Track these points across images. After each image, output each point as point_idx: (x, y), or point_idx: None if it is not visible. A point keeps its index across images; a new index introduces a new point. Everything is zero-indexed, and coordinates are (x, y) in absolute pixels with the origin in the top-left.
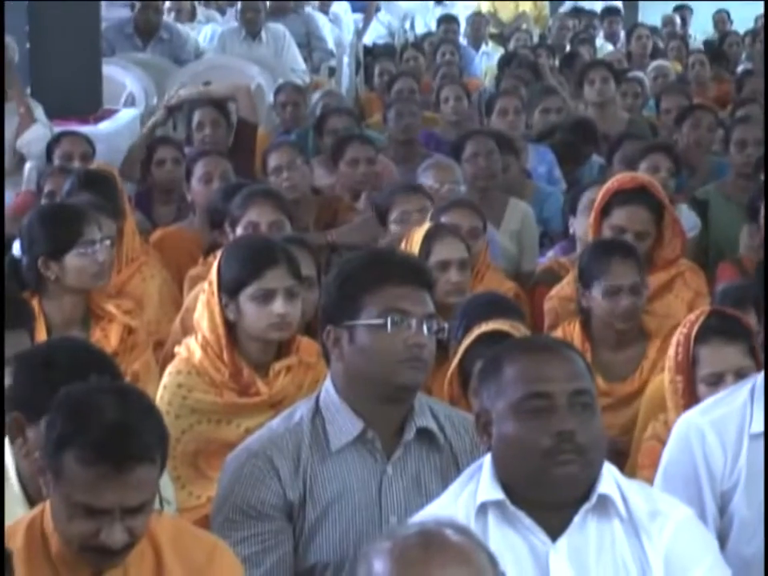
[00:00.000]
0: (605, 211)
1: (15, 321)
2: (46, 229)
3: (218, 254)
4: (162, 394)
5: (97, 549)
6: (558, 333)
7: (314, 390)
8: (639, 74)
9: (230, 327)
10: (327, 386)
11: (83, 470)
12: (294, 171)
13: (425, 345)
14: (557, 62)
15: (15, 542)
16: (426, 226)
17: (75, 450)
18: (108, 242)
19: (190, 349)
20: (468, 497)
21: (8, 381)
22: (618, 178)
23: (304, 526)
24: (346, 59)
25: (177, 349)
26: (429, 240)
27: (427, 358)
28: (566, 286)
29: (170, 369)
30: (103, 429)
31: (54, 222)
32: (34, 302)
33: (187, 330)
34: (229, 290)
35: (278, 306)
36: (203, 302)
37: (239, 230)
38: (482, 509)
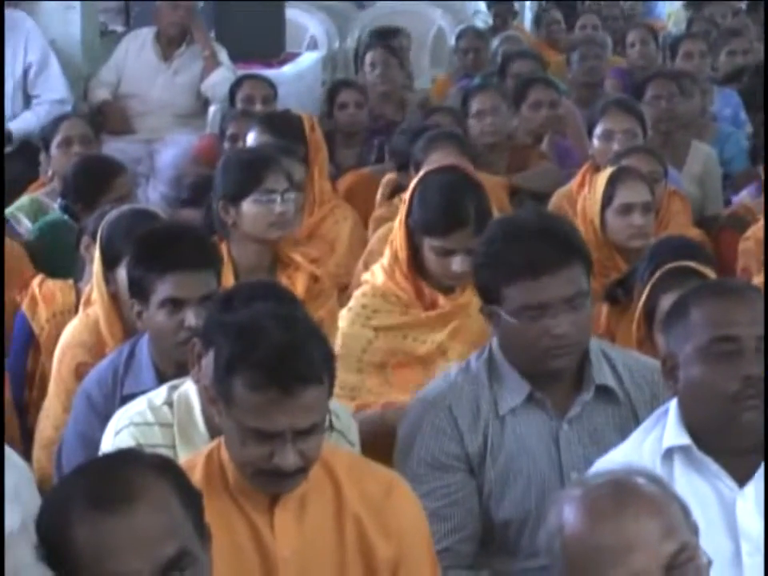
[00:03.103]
0: None
1: (202, 262)
2: (229, 173)
3: (404, 195)
4: (345, 314)
5: (270, 473)
6: (760, 278)
7: None
8: None
9: (416, 251)
10: (495, 346)
11: (252, 395)
12: (498, 116)
13: (564, 333)
14: (744, 5)
15: (195, 475)
16: (610, 169)
17: (243, 375)
18: (292, 195)
19: (375, 274)
20: (654, 441)
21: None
22: None
23: (483, 484)
24: (527, 4)
25: (364, 277)
26: (612, 183)
27: (573, 340)
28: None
29: (356, 293)
30: (269, 352)
31: (238, 166)
32: (223, 246)
33: None
34: (416, 228)
35: (456, 264)
36: (400, 220)
37: None
38: (668, 454)
